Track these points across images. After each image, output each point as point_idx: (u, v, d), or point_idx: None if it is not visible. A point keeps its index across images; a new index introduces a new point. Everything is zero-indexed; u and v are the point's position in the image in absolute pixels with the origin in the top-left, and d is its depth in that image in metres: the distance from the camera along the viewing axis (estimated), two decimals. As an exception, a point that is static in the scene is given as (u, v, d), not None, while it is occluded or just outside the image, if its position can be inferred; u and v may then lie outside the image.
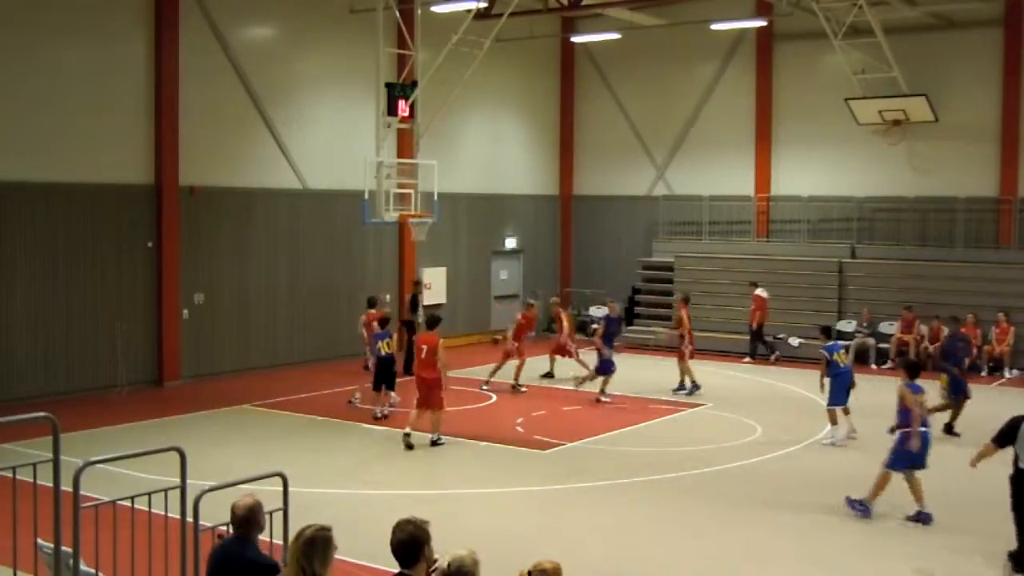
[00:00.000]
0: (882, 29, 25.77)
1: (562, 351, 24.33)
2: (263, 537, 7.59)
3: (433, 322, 18.28)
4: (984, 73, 27.65)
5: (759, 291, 27.34)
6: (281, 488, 8.54)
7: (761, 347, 27.57)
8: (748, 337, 27.76)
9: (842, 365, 18.09)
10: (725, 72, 31.50)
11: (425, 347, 17.52)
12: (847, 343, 19.06)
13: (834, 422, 18.13)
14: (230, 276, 24.50)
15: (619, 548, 12.53)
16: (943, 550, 12.59)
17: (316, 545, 6.38)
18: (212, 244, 24.10)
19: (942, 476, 14.67)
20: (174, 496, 8.78)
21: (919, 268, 27.43)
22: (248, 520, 7.27)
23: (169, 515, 9.06)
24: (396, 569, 6.46)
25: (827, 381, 18.12)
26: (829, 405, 18.18)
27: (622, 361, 24.21)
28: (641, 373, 25.21)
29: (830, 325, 19.26)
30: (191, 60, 23.18)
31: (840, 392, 18.06)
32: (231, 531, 7.64)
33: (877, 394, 23.43)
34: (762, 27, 29.98)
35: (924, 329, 26.27)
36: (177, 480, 8.83)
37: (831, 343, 18.74)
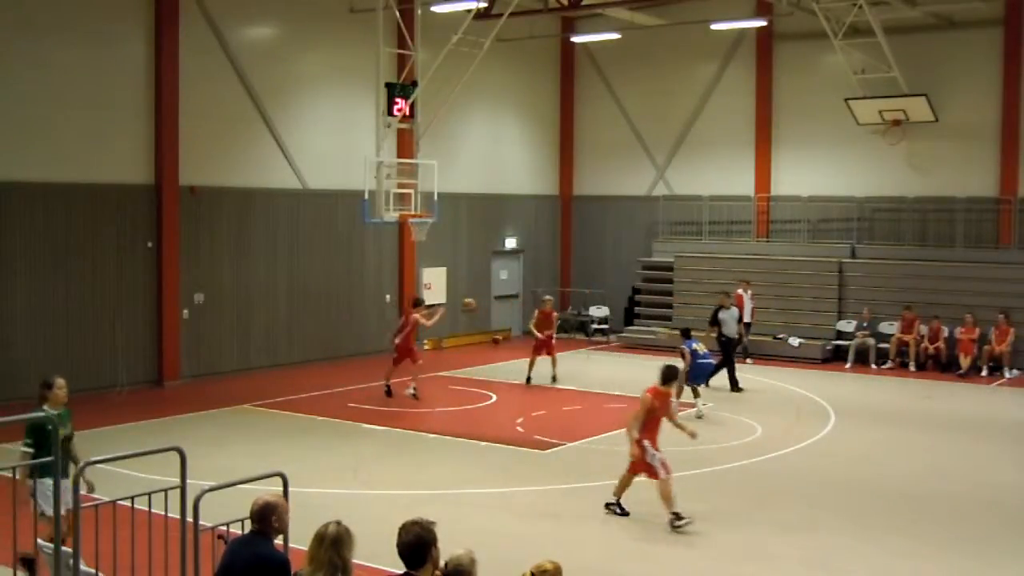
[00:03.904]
0: (882, 29, 25.77)
1: None
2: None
3: (668, 376, 14.12)
4: (984, 73, 27.64)
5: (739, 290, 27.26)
6: (281, 488, 8.53)
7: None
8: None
9: (701, 353, 20.86)
10: (725, 72, 31.50)
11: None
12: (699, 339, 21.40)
13: (696, 395, 20.68)
14: (230, 276, 24.50)
15: (620, 549, 12.53)
16: (944, 549, 12.59)
17: (342, 539, 6.58)
18: (212, 244, 24.11)
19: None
20: (174, 496, 8.78)
21: (919, 268, 27.42)
22: (262, 516, 7.23)
23: (169, 515, 9.07)
24: (399, 569, 6.46)
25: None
26: (689, 382, 20.54)
27: (623, 361, 24.25)
28: (641, 373, 25.16)
29: (689, 327, 22.12)
30: (191, 60, 23.18)
31: (699, 374, 20.91)
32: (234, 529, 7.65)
33: (876, 395, 23.50)
34: (762, 27, 29.97)
35: (924, 329, 26.27)
36: (177, 480, 8.83)
37: (688, 340, 21.07)
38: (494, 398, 22.27)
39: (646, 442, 13.47)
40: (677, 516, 13.07)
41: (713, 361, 21.47)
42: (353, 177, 23.66)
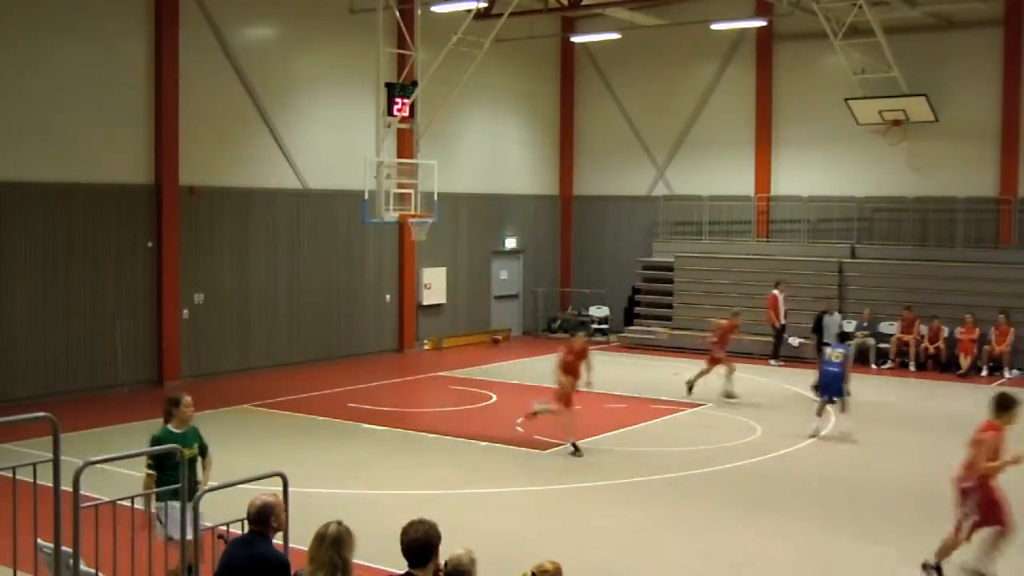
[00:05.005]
0: (882, 29, 25.77)
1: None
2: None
3: (1003, 404, 11.23)
4: (984, 73, 27.65)
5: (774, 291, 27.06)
6: (281, 488, 8.53)
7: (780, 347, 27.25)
8: (765, 338, 27.56)
9: (832, 360, 18.65)
10: (725, 72, 31.50)
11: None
12: (845, 346, 19.49)
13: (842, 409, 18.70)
14: (230, 276, 24.51)
15: (620, 549, 12.52)
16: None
17: (342, 539, 6.56)
18: (212, 244, 24.10)
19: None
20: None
21: (919, 268, 27.41)
22: (259, 517, 7.25)
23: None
24: (399, 569, 6.46)
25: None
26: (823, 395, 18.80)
27: (623, 362, 24.21)
28: (641, 373, 25.20)
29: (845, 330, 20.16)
30: (191, 60, 23.18)
31: (830, 384, 18.59)
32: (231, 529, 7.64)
33: (876, 394, 23.48)
34: (762, 27, 29.97)
35: (924, 329, 26.27)
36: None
37: (838, 345, 19.38)
38: (494, 398, 22.27)
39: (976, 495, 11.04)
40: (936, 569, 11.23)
41: (839, 370, 18.53)
42: (353, 177, 23.66)
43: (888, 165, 28.79)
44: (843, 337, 20.06)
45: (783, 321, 26.70)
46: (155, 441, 10.09)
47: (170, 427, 10.29)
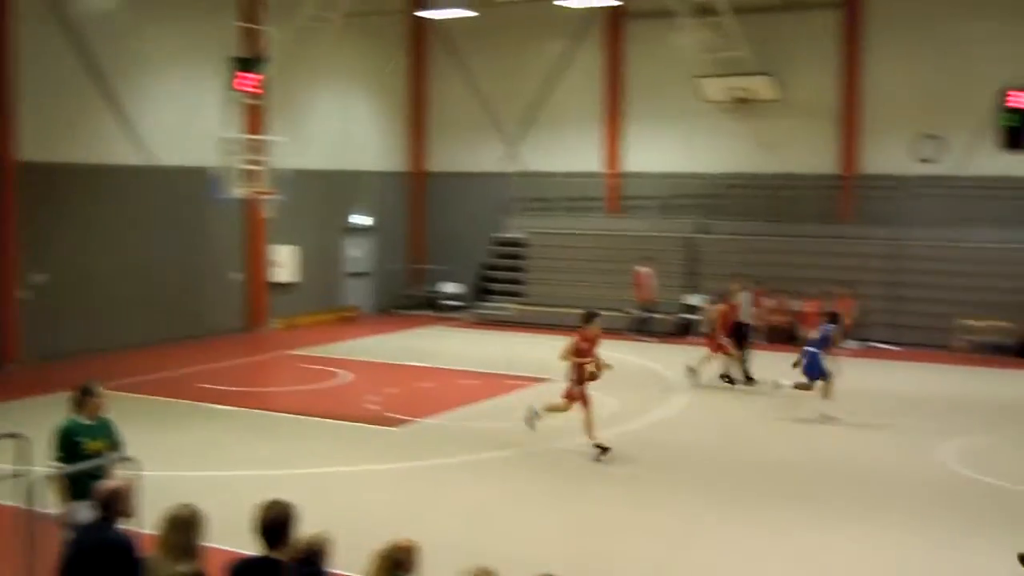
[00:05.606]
0: (730, 8, 26.24)
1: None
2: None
3: None
4: (825, 53, 28.44)
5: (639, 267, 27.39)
6: (131, 472, 8.31)
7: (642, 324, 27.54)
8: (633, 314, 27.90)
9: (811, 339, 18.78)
10: (577, 49, 31.71)
11: None
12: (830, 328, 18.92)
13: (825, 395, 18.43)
14: (76, 255, 23.68)
15: (476, 525, 12.54)
16: (788, 515, 12.91)
17: (191, 522, 6.48)
18: (56, 222, 23.25)
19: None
20: (18, 484, 8.49)
21: (767, 243, 28.06)
22: (108, 502, 7.06)
23: (9, 503, 8.77)
24: (252, 552, 6.37)
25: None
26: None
27: (475, 338, 24.25)
28: (493, 349, 25.27)
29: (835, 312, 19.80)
30: (27, 31, 22.23)
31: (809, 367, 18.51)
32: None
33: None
34: (612, 5, 30.22)
35: (771, 303, 26.89)
36: (16, 467, 8.54)
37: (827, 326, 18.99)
38: (346, 376, 22.09)
39: None
40: None
41: (814, 349, 18.61)
42: (202, 154, 23.16)
43: (737, 142, 29.42)
44: (833, 318, 19.37)
45: (654, 298, 27.10)
46: (61, 431, 9.38)
47: (78, 417, 9.56)
